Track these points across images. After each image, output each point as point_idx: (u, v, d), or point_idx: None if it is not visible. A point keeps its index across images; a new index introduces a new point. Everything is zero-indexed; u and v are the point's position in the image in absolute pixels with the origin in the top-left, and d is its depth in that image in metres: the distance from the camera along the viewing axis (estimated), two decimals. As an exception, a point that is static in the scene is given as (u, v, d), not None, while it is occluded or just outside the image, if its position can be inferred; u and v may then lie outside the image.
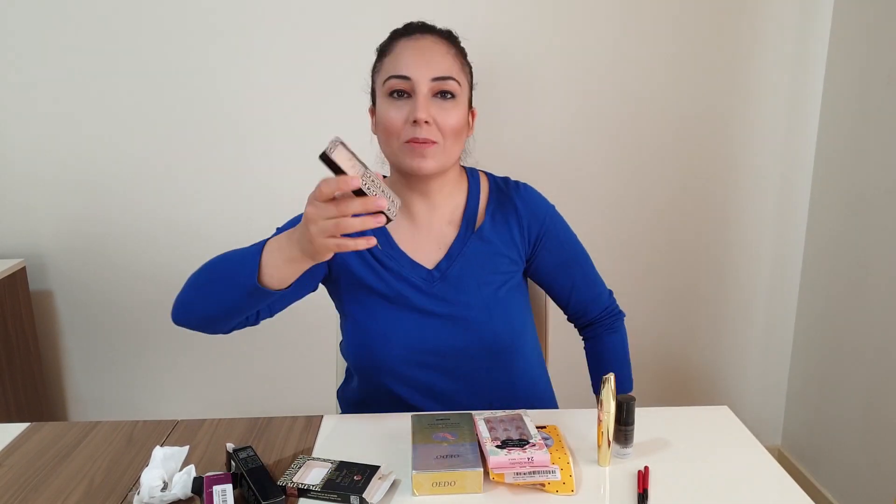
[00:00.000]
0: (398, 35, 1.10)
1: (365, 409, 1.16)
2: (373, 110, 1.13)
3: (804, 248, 2.17)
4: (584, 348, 1.28)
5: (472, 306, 1.11)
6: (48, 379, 2.15)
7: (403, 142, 1.04)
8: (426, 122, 1.03)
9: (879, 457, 1.81)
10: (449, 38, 1.11)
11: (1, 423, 1.10)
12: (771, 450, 1.78)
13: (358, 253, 1.11)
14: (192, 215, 2.06)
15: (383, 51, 1.10)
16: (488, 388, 1.14)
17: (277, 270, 0.91)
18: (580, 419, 1.07)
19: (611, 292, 1.27)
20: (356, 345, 1.14)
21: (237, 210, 2.06)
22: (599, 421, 0.93)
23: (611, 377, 0.92)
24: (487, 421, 0.98)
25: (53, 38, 1.92)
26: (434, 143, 1.04)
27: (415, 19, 1.14)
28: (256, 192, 2.05)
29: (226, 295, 0.95)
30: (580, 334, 1.29)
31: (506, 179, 1.20)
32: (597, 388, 1.21)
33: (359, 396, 1.20)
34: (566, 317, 1.28)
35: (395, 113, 1.05)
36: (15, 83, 1.94)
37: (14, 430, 1.07)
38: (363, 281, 1.12)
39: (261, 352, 2.16)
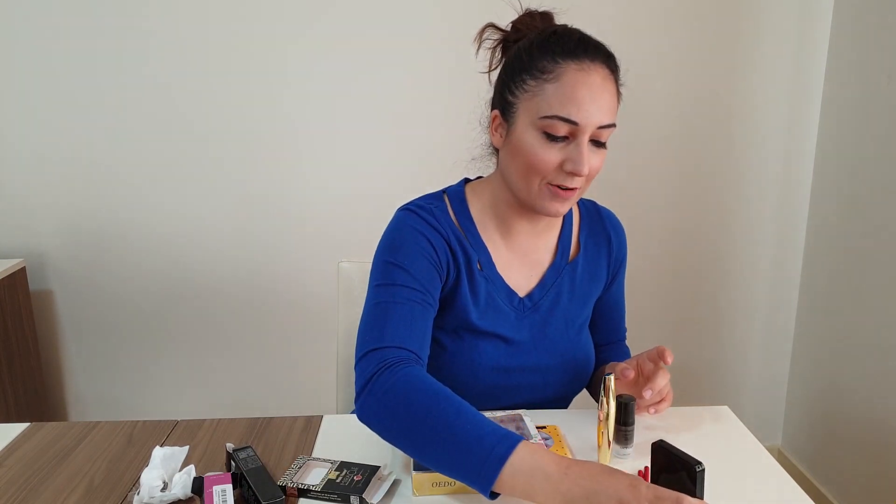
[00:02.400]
0: (564, 54, 0.93)
1: None
2: (498, 118, 1.00)
3: (804, 248, 2.17)
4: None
5: (557, 345, 1.08)
6: (48, 379, 2.15)
7: (547, 183, 0.95)
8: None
9: (879, 457, 1.81)
10: (615, 69, 0.97)
11: (1, 423, 1.10)
12: (771, 450, 1.78)
13: (466, 269, 1.03)
14: (193, 215, 2.06)
15: (544, 71, 0.93)
16: (539, 402, 1.11)
17: (510, 490, 0.76)
18: (580, 419, 1.07)
19: (626, 329, 1.26)
20: (433, 369, 1.05)
21: (237, 210, 2.06)
22: (599, 421, 0.93)
23: (611, 377, 0.92)
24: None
25: (54, 37, 1.91)
26: (577, 189, 0.96)
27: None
28: (257, 193, 2.05)
29: (438, 463, 0.81)
30: None
31: (594, 204, 1.16)
32: (595, 390, 1.20)
33: None
34: None
35: (550, 155, 0.93)
36: (15, 83, 1.94)
37: (14, 430, 1.06)
38: (460, 301, 1.03)
39: (261, 352, 2.16)
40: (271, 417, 1.09)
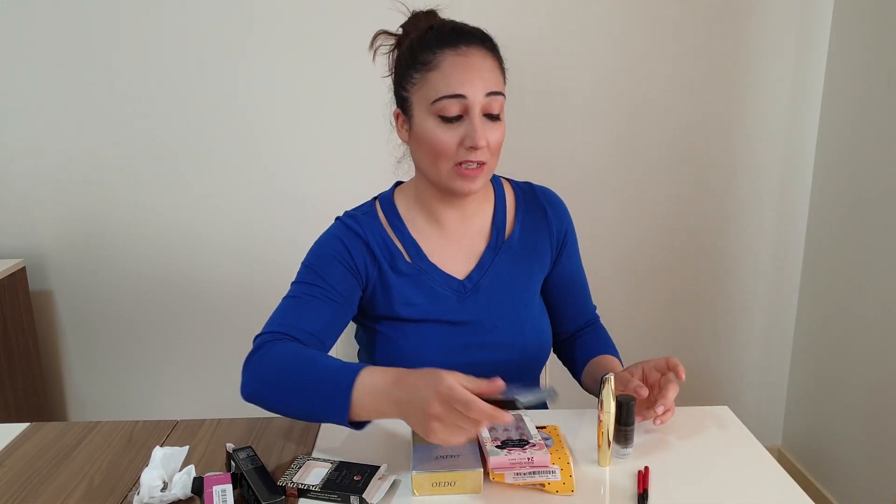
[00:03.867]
0: (441, 44, 1.00)
1: None
2: (400, 116, 1.07)
3: (804, 248, 2.17)
4: (565, 352, 1.25)
5: (505, 321, 1.10)
6: (48, 379, 2.15)
7: (454, 164, 1.00)
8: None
9: (879, 457, 1.81)
10: (492, 48, 1.04)
11: (1, 423, 1.10)
12: (771, 450, 1.78)
13: (391, 264, 1.09)
14: (193, 215, 2.06)
15: (426, 63, 1.00)
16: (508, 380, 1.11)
17: (365, 413, 0.88)
18: (580, 419, 1.07)
19: (595, 306, 1.26)
20: (386, 361, 1.11)
21: (237, 210, 2.06)
22: (600, 421, 0.93)
23: (611, 377, 0.92)
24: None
25: (54, 38, 1.92)
26: (484, 164, 1.01)
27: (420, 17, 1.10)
28: (257, 193, 2.05)
29: (305, 412, 0.93)
30: (556, 344, 1.26)
31: (529, 184, 1.19)
32: (588, 383, 1.20)
33: None
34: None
35: (448, 136, 0.99)
36: (15, 83, 1.94)
37: (14, 430, 1.06)
38: (396, 293, 1.09)
39: (261, 352, 2.16)
40: (271, 417, 1.09)
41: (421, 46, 1.02)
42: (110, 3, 1.90)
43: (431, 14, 1.09)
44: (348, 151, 2.03)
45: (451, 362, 1.06)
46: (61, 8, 1.89)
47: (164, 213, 2.05)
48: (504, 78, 1.05)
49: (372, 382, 0.87)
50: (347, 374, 0.88)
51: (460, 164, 1.00)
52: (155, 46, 1.94)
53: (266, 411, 0.97)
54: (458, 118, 0.99)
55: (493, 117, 1.01)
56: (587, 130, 2.05)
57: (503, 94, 1.02)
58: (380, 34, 1.11)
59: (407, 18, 1.10)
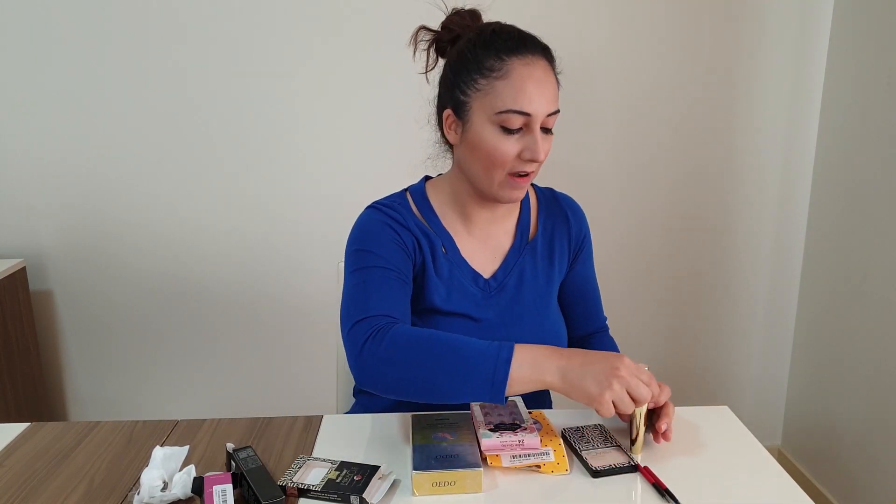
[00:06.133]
0: (509, 51, 0.99)
1: (390, 406, 1.12)
2: (451, 117, 1.05)
3: (804, 248, 2.17)
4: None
5: (526, 321, 1.12)
6: (48, 379, 2.15)
7: (507, 174, 1.02)
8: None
9: (879, 457, 1.81)
10: (552, 59, 1.05)
11: (1, 423, 1.10)
12: (771, 450, 1.78)
13: (431, 254, 1.09)
14: (193, 216, 2.06)
15: (493, 70, 0.99)
16: (526, 395, 1.11)
17: (519, 387, 0.89)
18: (582, 419, 1.07)
19: (606, 318, 1.28)
20: None
21: (237, 211, 2.06)
22: (633, 412, 0.94)
23: (646, 367, 0.94)
24: (482, 406, 1.00)
25: (54, 37, 1.92)
26: (533, 174, 1.04)
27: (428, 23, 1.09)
28: (256, 193, 2.05)
29: (451, 391, 0.90)
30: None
31: (551, 190, 1.22)
32: None
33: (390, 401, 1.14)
34: None
35: (508, 147, 1.00)
36: (15, 84, 1.94)
37: (14, 430, 1.06)
38: (432, 284, 1.09)
39: (261, 352, 2.16)
40: (271, 417, 1.09)
41: (486, 50, 1.00)
42: (110, 3, 1.90)
43: (475, 13, 1.08)
44: (353, 153, 2.03)
45: None
46: (61, 8, 1.89)
47: (164, 213, 2.05)
48: (559, 89, 1.05)
49: (532, 355, 0.90)
50: (503, 349, 0.89)
51: (513, 173, 1.02)
52: (155, 46, 1.94)
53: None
54: (519, 129, 1.00)
55: (547, 130, 1.03)
56: (585, 130, 2.05)
57: (559, 111, 1.03)
58: (420, 29, 1.10)
59: (448, 16, 1.08)
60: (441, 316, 1.09)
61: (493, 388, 0.88)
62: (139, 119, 1.98)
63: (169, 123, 1.99)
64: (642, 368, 0.90)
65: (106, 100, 1.97)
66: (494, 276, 1.12)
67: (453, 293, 1.10)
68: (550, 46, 1.05)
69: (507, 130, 0.99)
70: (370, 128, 2.02)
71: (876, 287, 1.81)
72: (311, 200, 2.06)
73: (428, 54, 1.10)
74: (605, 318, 1.28)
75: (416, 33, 1.10)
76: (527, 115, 0.98)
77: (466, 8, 1.09)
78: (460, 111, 1.04)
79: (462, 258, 1.11)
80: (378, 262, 1.03)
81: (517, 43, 1.00)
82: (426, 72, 1.10)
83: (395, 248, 1.05)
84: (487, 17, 1.09)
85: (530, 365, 0.89)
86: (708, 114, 2.07)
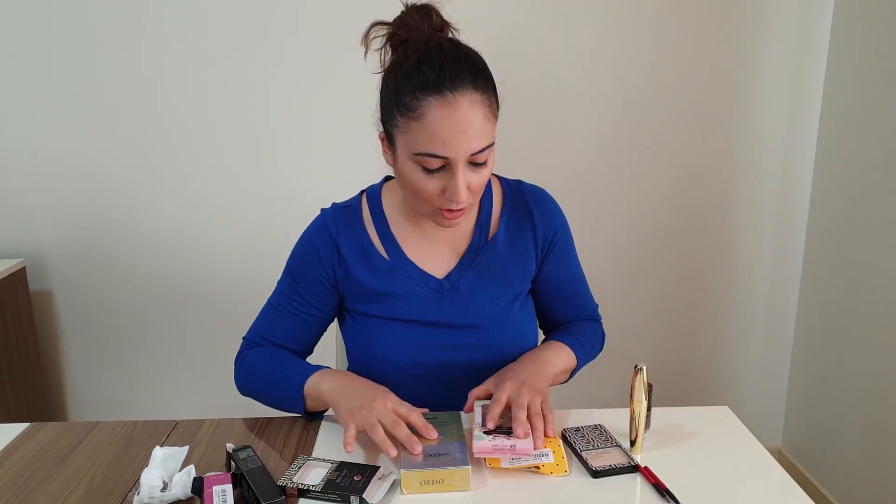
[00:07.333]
0: (425, 89, 0.91)
1: None
2: (384, 141, 1.03)
3: (804, 247, 2.17)
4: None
5: (482, 322, 1.08)
6: (48, 379, 2.15)
7: (435, 208, 0.99)
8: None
9: (879, 457, 1.81)
10: (484, 85, 0.94)
11: (1, 423, 1.10)
12: (771, 450, 1.78)
13: (365, 262, 1.08)
14: (193, 215, 2.06)
15: (410, 108, 0.92)
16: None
17: (316, 407, 1.06)
18: (580, 419, 1.07)
19: (597, 306, 1.24)
20: (358, 354, 1.12)
21: (237, 211, 2.06)
22: (632, 411, 0.94)
23: (644, 367, 0.94)
24: (484, 408, 0.99)
25: (53, 38, 1.92)
26: (465, 208, 0.99)
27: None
28: (259, 192, 2.05)
29: (277, 406, 1.09)
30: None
31: (519, 183, 1.15)
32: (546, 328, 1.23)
33: None
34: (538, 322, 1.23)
35: (430, 185, 0.96)
36: (15, 84, 1.94)
37: (14, 430, 1.06)
38: (369, 291, 1.09)
39: (261, 352, 2.16)
40: (271, 417, 1.09)
41: (406, 84, 0.93)
42: (110, 3, 1.90)
43: (426, 10, 1.00)
44: (354, 148, 2.03)
45: (423, 361, 1.08)
46: (61, 8, 1.89)
47: (164, 213, 2.05)
48: (496, 115, 0.97)
49: (321, 377, 1.03)
50: (302, 374, 1.05)
51: (443, 208, 0.98)
52: (154, 45, 1.93)
53: (264, 411, 1.04)
54: (442, 167, 0.95)
55: (478, 164, 0.96)
56: (585, 129, 2.05)
57: (492, 144, 0.96)
58: (374, 26, 1.02)
59: (400, 13, 1.01)
60: (380, 321, 1.09)
61: (296, 406, 1.05)
62: (139, 119, 1.98)
63: (169, 124, 1.99)
64: (406, 405, 0.96)
65: (106, 100, 1.96)
66: (448, 276, 1.09)
67: (397, 298, 1.08)
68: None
69: (427, 170, 0.95)
70: (370, 128, 2.02)
71: (876, 287, 1.81)
72: (310, 201, 2.05)
73: (381, 53, 1.03)
74: (597, 306, 1.23)
75: (369, 30, 1.02)
76: (443, 157, 0.93)
77: (419, 3, 1.01)
78: (389, 139, 1.01)
79: (409, 261, 1.08)
80: (290, 292, 1.13)
81: (438, 77, 0.91)
82: (382, 71, 1.02)
83: (315, 284, 1.11)
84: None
85: (315, 397, 1.03)
86: (708, 113, 2.07)
